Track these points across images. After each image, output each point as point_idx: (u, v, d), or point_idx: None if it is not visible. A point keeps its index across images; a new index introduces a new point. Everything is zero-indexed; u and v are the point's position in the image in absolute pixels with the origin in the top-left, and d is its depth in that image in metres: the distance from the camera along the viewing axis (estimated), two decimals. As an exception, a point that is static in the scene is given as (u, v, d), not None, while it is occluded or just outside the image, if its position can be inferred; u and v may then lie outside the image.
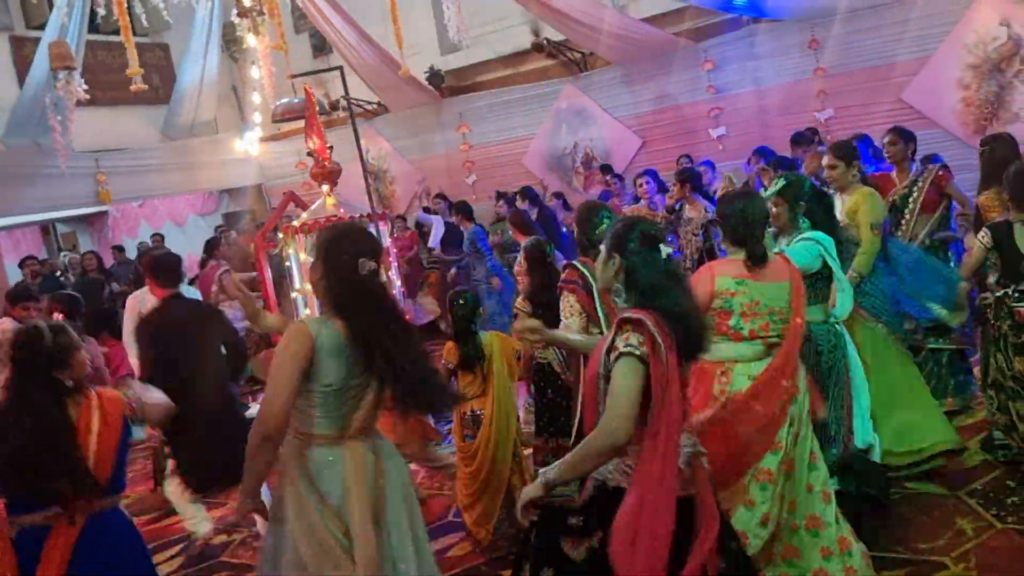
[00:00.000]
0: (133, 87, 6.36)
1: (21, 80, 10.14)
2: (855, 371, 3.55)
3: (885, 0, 8.19)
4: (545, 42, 10.63)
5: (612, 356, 2.21)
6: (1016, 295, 3.83)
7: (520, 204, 8.29)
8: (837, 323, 3.57)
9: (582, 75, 10.70)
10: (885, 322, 4.10)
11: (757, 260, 3.02)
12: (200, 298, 5.36)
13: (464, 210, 8.40)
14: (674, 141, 9.89)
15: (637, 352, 2.16)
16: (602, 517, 2.22)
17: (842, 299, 3.53)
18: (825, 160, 4.57)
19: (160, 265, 4.59)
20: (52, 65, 7.54)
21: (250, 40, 7.78)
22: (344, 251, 2.49)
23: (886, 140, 5.08)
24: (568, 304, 3.61)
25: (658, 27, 9.45)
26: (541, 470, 2.32)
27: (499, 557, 3.99)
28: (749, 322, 3.01)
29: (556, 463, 2.28)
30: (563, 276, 3.71)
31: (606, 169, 9.65)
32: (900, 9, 8.16)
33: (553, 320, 3.77)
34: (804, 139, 7.33)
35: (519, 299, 4.50)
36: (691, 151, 9.31)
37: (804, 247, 3.46)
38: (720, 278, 3.03)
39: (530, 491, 2.29)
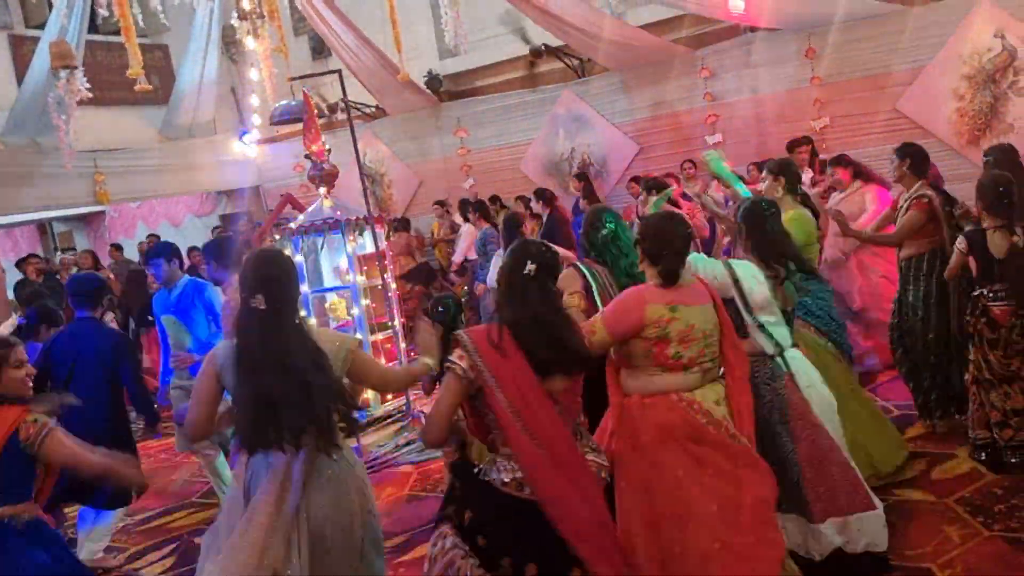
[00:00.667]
0: (137, 87, 6.38)
1: (20, 79, 10.16)
2: (823, 412, 3.45)
3: (882, 10, 8.25)
4: (543, 48, 10.69)
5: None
6: (990, 295, 4.10)
7: (536, 207, 8.31)
8: (773, 356, 3.43)
9: (580, 81, 10.75)
10: (832, 340, 4.17)
11: (668, 278, 2.89)
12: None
13: (482, 209, 8.54)
14: (671, 148, 9.95)
15: (455, 367, 2.49)
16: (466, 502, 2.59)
17: (764, 337, 3.39)
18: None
19: (73, 286, 4.79)
20: (53, 64, 7.55)
21: (249, 43, 7.80)
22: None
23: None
24: (567, 305, 3.64)
25: (656, 34, 9.49)
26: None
27: None
28: (687, 349, 2.85)
29: None
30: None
31: (581, 177, 9.55)
32: (896, 20, 8.22)
33: None
34: (799, 145, 7.39)
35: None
36: (688, 158, 9.36)
37: (706, 262, 3.39)
38: (651, 306, 2.84)
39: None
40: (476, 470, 2.60)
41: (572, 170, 10.71)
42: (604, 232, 3.69)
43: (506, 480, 2.52)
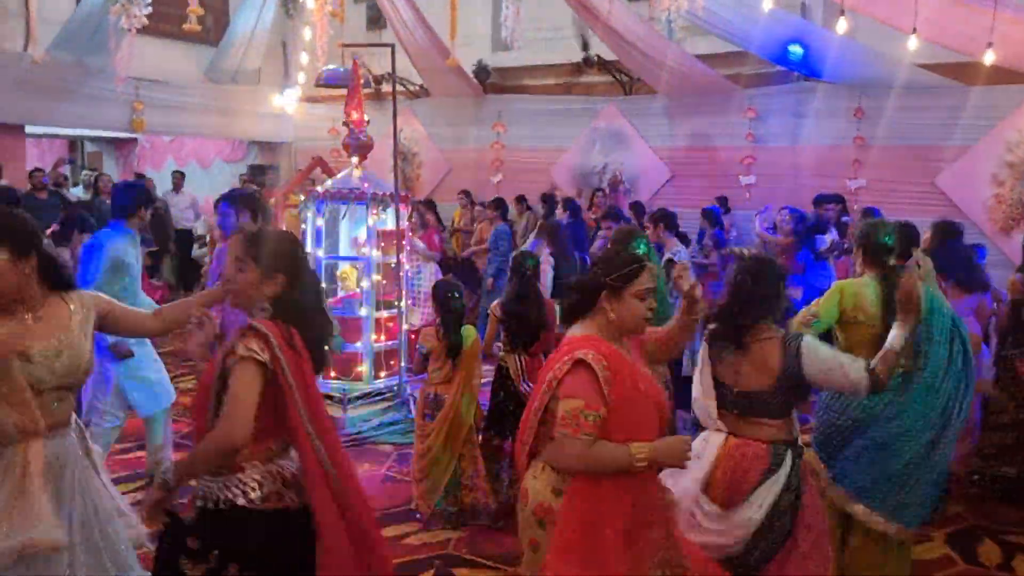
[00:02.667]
0: (187, 26, 6.40)
1: (78, -2, 10.21)
2: None
3: (940, 84, 8.21)
4: (596, 58, 10.69)
5: (231, 360, 2.20)
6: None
7: (560, 215, 8.31)
8: None
9: (625, 98, 10.75)
10: None
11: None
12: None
13: (501, 207, 8.57)
14: (703, 181, 9.94)
15: (259, 357, 2.17)
16: (216, 536, 2.20)
17: None
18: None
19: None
20: (113, -13, 7.60)
21: (309, 1, 7.83)
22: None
23: None
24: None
25: (710, 66, 9.48)
26: (162, 469, 2.32)
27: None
28: None
29: (174, 464, 2.33)
30: None
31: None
32: (952, 95, 8.19)
33: (520, 329, 4.41)
34: (826, 201, 7.37)
35: (495, 303, 4.68)
36: (718, 194, 9.36)
37: None
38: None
39: (151, 495, 2.25)
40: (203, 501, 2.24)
41: (601, 184, 10.72)
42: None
43: (261, 495, 2.23)
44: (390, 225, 6.29)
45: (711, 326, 2.96)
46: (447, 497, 4.35)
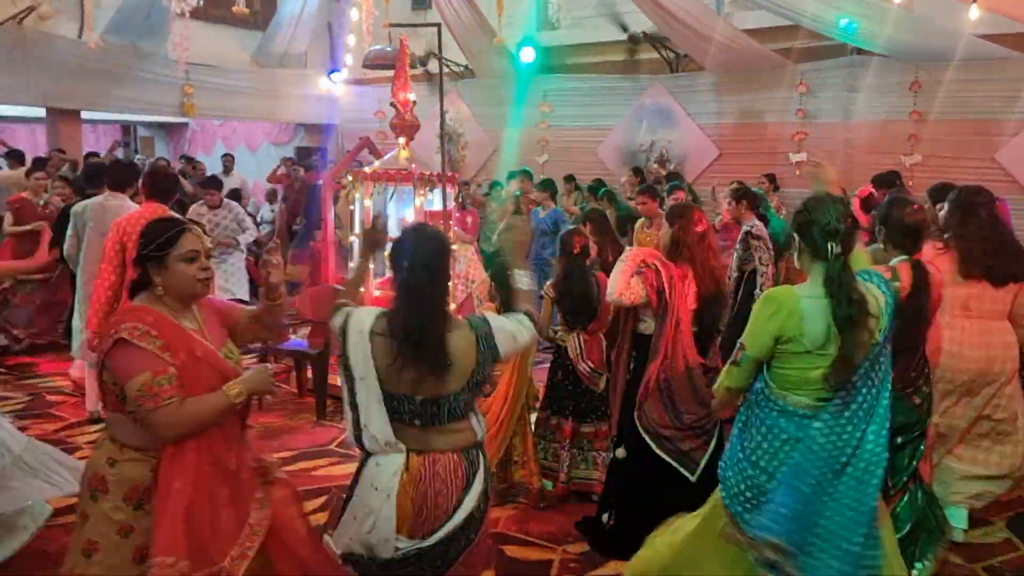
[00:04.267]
0: (235, 8, 6.47)
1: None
2: None
3: (1000, 55, 7.93)
4: (642, 36, 10.55)
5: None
6: None
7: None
8: None
9: (673, 75, 10.60)
10: None
11: None
12: None
13: (550, 188, 8.52)
14: (752, 159, 9.76)
15: None
16: None
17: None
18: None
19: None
20: (166, -28, 7.72)
21: (355, -18, 7.84)
22: None
23: None
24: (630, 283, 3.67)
25: (760, 41, 9.29)
26: None
27: None
28: None
29: None
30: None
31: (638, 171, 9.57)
32: (1015, 66, 7.91)
33: (572, 307, 4.33)
34: (885, 182, 7.14)
35: (548, 284, 4.66)
36: (767, 171, 9.19)
37: None
38: None
39: None
40: None
41: (648, 163, 10.61)
42: None
43: None
44: (437, 206, 6.30)
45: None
46: (497, 473, 4.36)
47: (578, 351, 4.34)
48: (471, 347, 2.45)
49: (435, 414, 2.44)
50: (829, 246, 2.53)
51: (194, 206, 7.67)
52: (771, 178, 9.08)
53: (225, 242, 7.46)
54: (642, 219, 6.72)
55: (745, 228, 5.88)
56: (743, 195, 6.01)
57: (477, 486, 2.49)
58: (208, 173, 11.69)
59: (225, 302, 2.77)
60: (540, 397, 4.59)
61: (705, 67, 10.04)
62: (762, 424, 2.66)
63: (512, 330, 2.55)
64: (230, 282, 7.54)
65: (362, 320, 2.45)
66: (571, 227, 4.84)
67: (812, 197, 2.72)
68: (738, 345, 2.69)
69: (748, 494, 2.65)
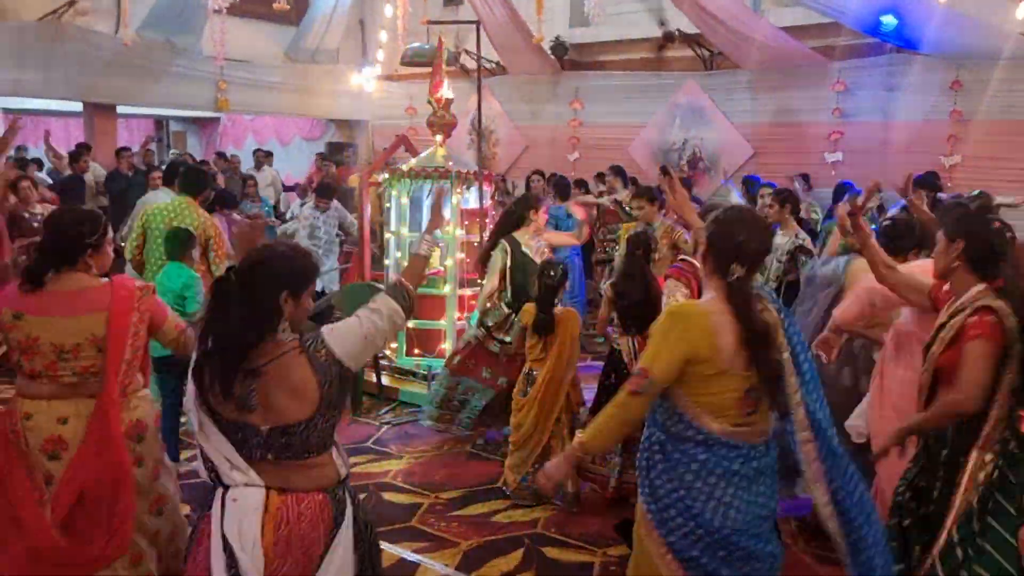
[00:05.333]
0: (276, 6, 6.49)
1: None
2: None
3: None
4: (676, 33, 10.47)
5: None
6: None
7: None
8: None
9: (707, 73, 10.51)
10: None
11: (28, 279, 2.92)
12: None
13: (583, 188, 8.51)
14: (786, 157, 9.65)
15: None
16: None
17: None
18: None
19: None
20: (202, -31, 7.77)
21: (391, -21, 7.85)
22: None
23: None
24: (671, 289, 3.66)
25: (797, 38, 9.18)
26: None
27: (522, 505, 4.39)
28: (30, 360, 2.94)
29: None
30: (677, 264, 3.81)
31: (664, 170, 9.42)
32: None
33: (627, 309, 4.26)
34: (927, 184, 7.00)
35: (608, 283, 4.63)
36: (802, 171, 9.09)
37: None
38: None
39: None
40: None
41: (680, 161, 10.54)
42: None
43: None
44: (473, 204, 6.30)
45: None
46: (534, 473, 4.34)
47: (632, 355, 4.28)
48: (303, 368, 2.15)
49: (287, 445, 2.15)
50: (733, 267, 2.34)
51: (305, 208, 7.78)
52: (805, 178, 8.99)
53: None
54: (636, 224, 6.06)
55: (796, 242, 5.65)
56: (787, 198, 5.90)
57: (346, 530, 2.23)
58: (240, 168, 11.80)
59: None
60: (582, 400, 4.57)
61: (741, 65, 9.94)
62: (691, 461, 2.39)
63: (355, 328, 2.24)
64: (323, 280, 7.48)
65: None
66: (637, 230, 4.86)
67: (733, 209, 2.57)
68: (637, 371, 2.38)
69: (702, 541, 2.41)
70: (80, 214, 2.96)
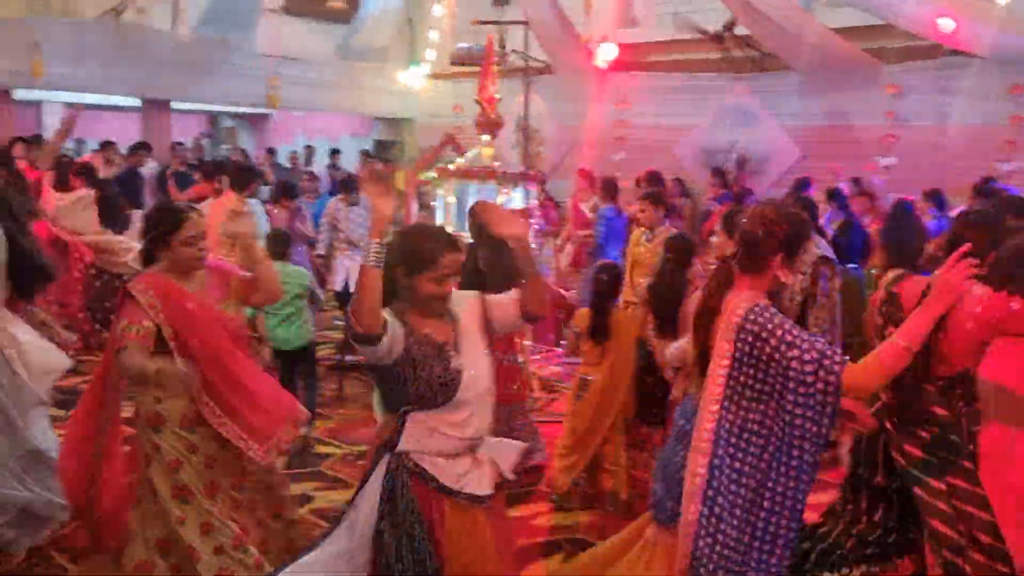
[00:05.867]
0: (329, 3, 6.58)
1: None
2: None
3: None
4: (725, 33, 10.37)
5: None
6: None
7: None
8: None
9: (756, 75, 10.39)
10: None
11: None
12: None
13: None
14: (836, 161, 9.50)
15: None
16: None
17: None
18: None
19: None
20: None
21: (441, -21, 7.91)
22: None
23: None
24: None
25: (850, 40, 9.03)
26: None
27: (564, 508, 4.38)
28: None
29: None
30: None
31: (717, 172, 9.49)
32: None
33: (661, 311, 4.07)
34: (986, 192, 6.82)
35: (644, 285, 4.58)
36: (853, 175, 8.94)
37: None
38: None
39: None
40: None
41: (727, 163, 10.44)
42: None
43: None
44: (518, 204, 6.33)
45: None
46: (586, 478, 4.36)
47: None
48: None
49: None
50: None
51: (332, 201, 7.72)
52: (856, 182, 8.84)
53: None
54: (639, 230, 5.93)
55: (820, 252, 5.22)
56: (805, 205, 5.64)
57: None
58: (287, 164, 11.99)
59: (225, 265, 3.37)
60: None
61: (792, 66, 9.82)
62: None
63: None
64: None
65: None
66: (674, 233, 4.81)
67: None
68: None
69: None
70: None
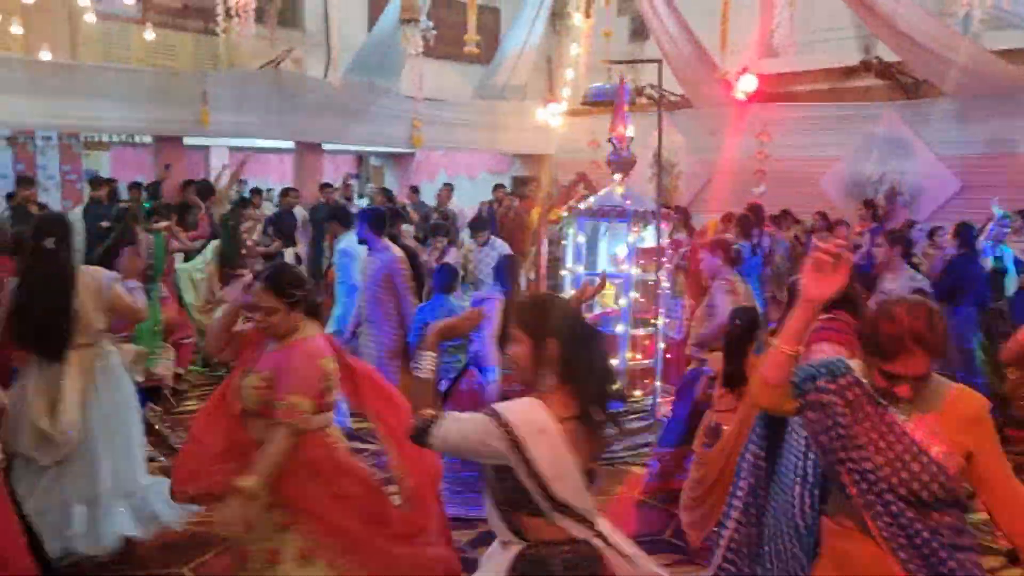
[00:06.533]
0: (467, 49, 6.83)
1: (370, 25, 11.29)
2: None
3: None
4: (875, 61, 9.93)
5: None
6: None
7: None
8: None
9: (908, 102, 9.87)
10: None
11: None
12: None
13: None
14: (999, 192, 8.80)
15: None
16: None
17: None
18: None
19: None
20: (402, 16, 8.32)
21: (577, 19, 8.03)
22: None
23: None
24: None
25: (1013, 62, 8.43)
26: None
27: (696, 563, 4.12)
28: None
29: None
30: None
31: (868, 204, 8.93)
32: None
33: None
34: None
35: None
36: (1020, 206, 8.28)
37: None
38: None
39: None
40: None
41: (877, 195, 9.93)
42: None
43: None
44: (649, 242, 6.28)
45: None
46: (719, 531, 4.20)
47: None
48: None
49: None
50: None
51: (468, 242, 8.01)
52: (1022, 214, 8.19)
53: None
54: None
55: (912, 286, 5.19)
56: (897, 239, 5.37)
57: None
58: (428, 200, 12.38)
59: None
60: None
61: (947, 91, 9.26)
62: None
63: None
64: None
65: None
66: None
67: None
68: None
69: None
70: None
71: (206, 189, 8.53)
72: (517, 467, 2.05)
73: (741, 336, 4.18)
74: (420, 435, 2.14)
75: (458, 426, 2.11)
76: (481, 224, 7.68)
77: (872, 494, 2.08)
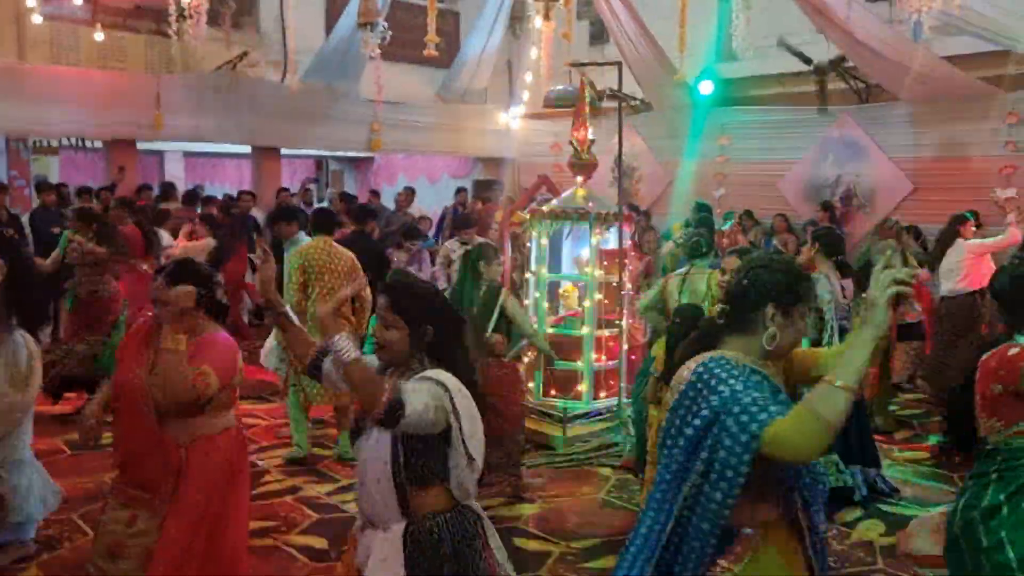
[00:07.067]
0: (426, 51, 6.78)
1: (328, 29, 11.17)
2: None
3: None
4: (829, 66, 10.07)
5: None
6: None
7: None
8: None
9: (862, 106, 10.05)
10: None
11: None
12: None
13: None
14: (950, 194, 9.01)
15: None
16: None
17: None
18: None
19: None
20: (359, 20, 8.21)
21: (537, 22, 8.02)
22: None
23: None
24: None
25: (964, 68, 8.62)
26: None
27: None
28: None
29: None
30: None
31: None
32: None
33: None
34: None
35: None
36: (968, 208, 8.46)
37: None
38: None
39: None
40: None
41: (833, 198, 10.08)
42: None
43: None
44: (613, 244, 6.28)
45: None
46: None
47: None
48: None
49: None
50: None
51: (448, 242, 7.94)
52: (975, 215, 8.37)
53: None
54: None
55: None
56: (819, 236, 5.26)
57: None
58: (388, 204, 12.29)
59: None
60: None
61: (900, 96, 9.44)
62: None
63: None
64: None
65: None
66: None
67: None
68: None
69: None
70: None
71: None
72: (455, 427, 2.24)
73: (682, 335, 4.15)
74: (394, 414, 2.14)
75: (418, 397, 2.18)
76: (466, 223, 7.71)
77: None
